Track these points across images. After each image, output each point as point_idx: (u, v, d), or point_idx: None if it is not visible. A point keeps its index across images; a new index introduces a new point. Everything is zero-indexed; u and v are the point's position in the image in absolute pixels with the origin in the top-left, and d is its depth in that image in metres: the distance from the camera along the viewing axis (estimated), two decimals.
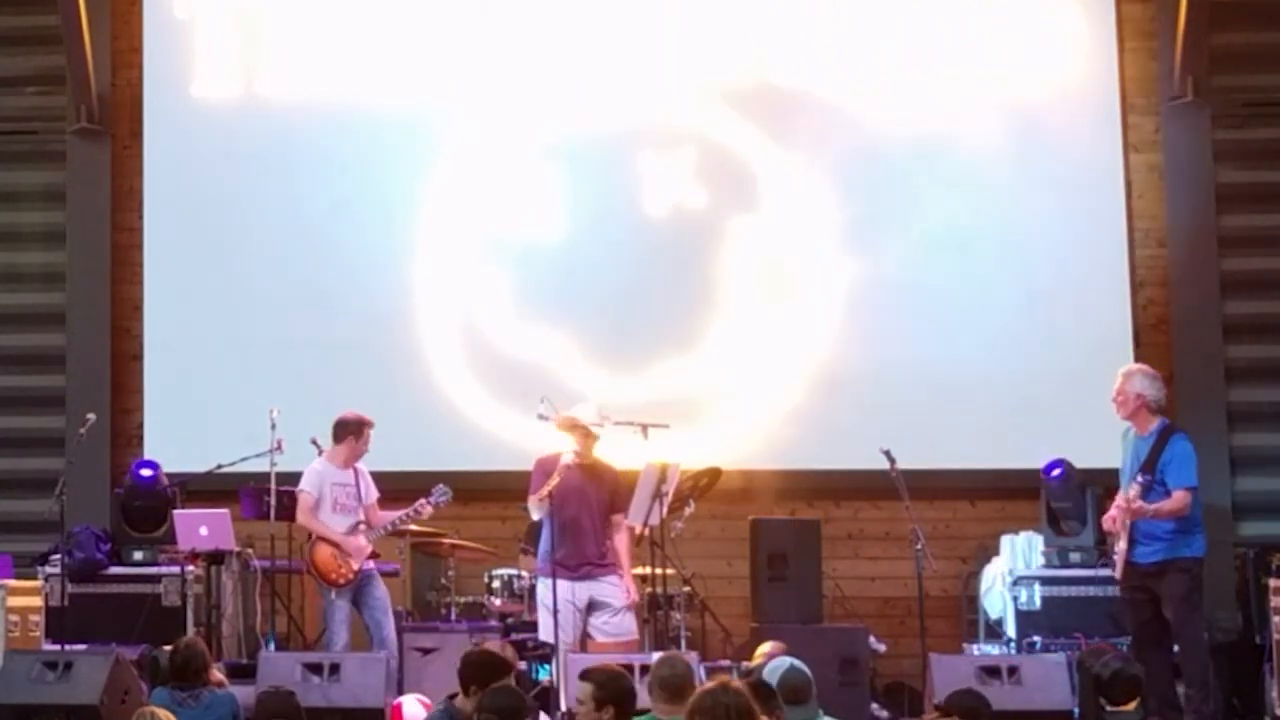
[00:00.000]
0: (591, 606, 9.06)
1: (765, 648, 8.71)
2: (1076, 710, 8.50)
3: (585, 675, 6.11)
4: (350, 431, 9.76)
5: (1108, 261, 11.22)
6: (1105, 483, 9.44)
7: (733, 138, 11.40)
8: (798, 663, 6.71)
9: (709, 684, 5.50)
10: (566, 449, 9.11)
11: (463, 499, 10.03)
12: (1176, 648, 8.70)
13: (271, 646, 10.00)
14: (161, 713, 6.20)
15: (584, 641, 9.04)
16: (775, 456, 11.17)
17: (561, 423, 9.16)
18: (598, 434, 9.12)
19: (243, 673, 9.20)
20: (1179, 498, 8.49)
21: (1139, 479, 8.40)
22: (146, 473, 10.87)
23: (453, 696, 7.00)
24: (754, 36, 11.46)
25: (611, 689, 5.98)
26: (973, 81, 11.35)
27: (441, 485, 9.72)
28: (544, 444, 9.42)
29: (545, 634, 9.07)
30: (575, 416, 9.15)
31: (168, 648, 8.09)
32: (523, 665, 9.38)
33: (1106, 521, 8.92)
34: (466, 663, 6.95)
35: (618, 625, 9.05)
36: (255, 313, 11.53)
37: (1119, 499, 8.90)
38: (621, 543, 9.20)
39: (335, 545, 9.59)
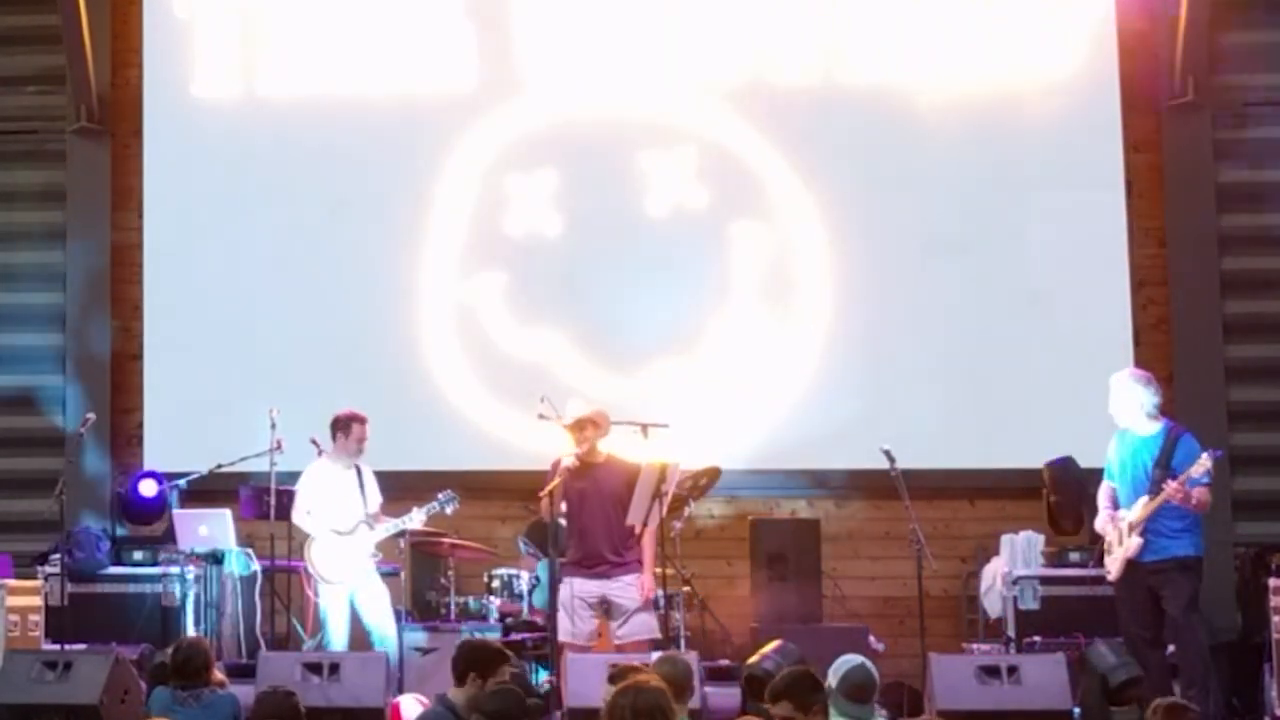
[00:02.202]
0: (606, 607, 9.02)
1: (768, 648, 8.72)
2: (1076, 710, 8.50)
3: (614, 679, 6.10)
4: (339, 428, 9.77)
5: (1108, 261, 11.21)
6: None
7: (733, 138, 11.40)
8: (868, 662, 6.74)
9: (625, 683, 5.49)
10: (568, 451, 9.11)
11: (463, 499, 10.02)
12: (1172, 647, 8.70)
13: (264, 648, 9.99)
14: None
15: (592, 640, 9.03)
16: (775, 456, 11.16)
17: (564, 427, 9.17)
18: (574, 417, 9.08)
19: (243, 673, 9.20)
20: (1204, 493, 8.53)
21: (1210, 453, 8.44)
22: (149, 489, 10.80)
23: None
24: (754, 36, 11.46)
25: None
26: (973, 81, 11.35)
27: (449, 490, 9.71)
28: (543, 444, 9.44)
29: (564, 634, 8.96)
30: (560, 415, 9.16)
31: (169, 649, 8.09)
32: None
33: (1101, 523, 8.91)
34: (461, 651, 6.95)
35: (628, 630, 8.95)
36: (255, 313, 11.53)
37: (1104, 498, 8.90)
38: (646, 537, 9.13)
39: (328, 545, 9.60)
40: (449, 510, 9.74)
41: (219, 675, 7.89)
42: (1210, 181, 11.29)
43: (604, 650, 8.94)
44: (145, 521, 10.90)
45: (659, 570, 9.24)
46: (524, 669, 8.98)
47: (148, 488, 10.85)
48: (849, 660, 6.75)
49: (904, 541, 9.48)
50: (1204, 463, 8.44)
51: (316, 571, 9.68)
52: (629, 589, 8.97)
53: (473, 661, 6.84)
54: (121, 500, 10.96)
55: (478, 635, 8.99)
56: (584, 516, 9.02)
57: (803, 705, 5.60)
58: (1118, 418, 8.82)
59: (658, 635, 9.02)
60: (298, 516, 9.75)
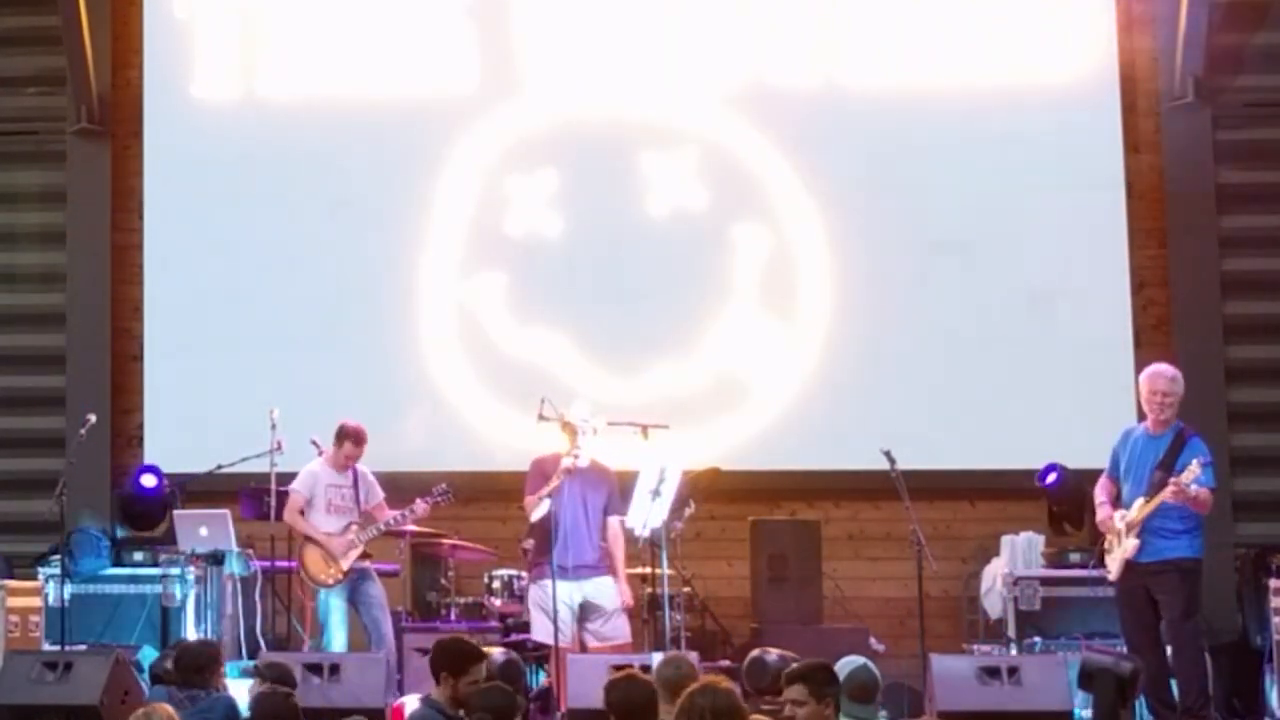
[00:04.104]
0: (584, 608, 9.07)
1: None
2: (1077, 712, 8.49)
3: (611, 687, 6.07)
4: (346, 438, 9.78)
5: (1108, 261, 11.21)
6: None
7: (733, 138, 11.40)
8: (870, 663, 6.76)
9: (696, 684, 5.50)
10: (565, 451, 9.12)
11: (463, 499, 10.04)
12: (1170, 649, 8.69)
13: (264, 648, 9.99)
14: (159, 709, 6.07)
15: (580, 643, 9.05)
16: (775, 456, 11.16)
17: (561, 426, 9.19)
18: (581, 427, 9.09)
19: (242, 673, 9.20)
20: (1208, 492, 8.53)
21: (1200, 460, 8.42)
22: (149, 481, 10.83)
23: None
24: (755, 38, 11.46)
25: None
26: (973, 82, 11.34)
27: (443, 485, 9.73)
28: (543, 444, 9.43)
29: (538, 634, 9.07)
30: (563, 415, 9.17)
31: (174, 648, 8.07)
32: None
33: (1102, 522, 8.91)
34: (435, 652, 6.93)
35: (611, 629, 9.06)
36: (255, 313, 11.53)
37: (1102, 493, 8.91)
38: (617, 545, 9.21)
39: (320, 546, 9.62)
40: (442, 501, 9.74)
41: (222, 680, 7.84)
42: (1210, 182, 11.29)
43: (601, 651, 8.95)
44: (146, 522, 10.89)
45: (658, 571, 9.27)
46: (520, 665, 8.97)
47: (148, 480, 10.85)
48: (852, 661, 6.77)
49: (904, 542, 9.47)
50: (1193, 469, 8.42)
51: (308, 574, 9.70)
52: (605, 589, 9.07)
53: (444, 664, 6.82)
54: (122, 498, 10.95)
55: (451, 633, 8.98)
56: (568, 518, 9.05)
57: (816, 692, 5.62)
58: (1166, 409, 8.77)
59: (628, 639, 9.11)
60: (289, 516, 9.75)
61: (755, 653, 8.70)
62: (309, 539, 9.68)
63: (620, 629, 9.13)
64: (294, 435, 9.96)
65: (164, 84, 11.77)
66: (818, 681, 5.70)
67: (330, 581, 9.64)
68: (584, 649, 9.01)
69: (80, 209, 11.82)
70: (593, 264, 11.46)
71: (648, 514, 9.06)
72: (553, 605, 8.86)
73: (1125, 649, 8.79)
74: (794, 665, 5.88)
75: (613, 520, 9.21)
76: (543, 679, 9.36)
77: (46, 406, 11.77)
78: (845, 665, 6.70)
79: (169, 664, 8.71)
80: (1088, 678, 8.50)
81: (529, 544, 10.19)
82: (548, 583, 8.93)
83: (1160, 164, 11.34)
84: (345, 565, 9.65)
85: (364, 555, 9.73)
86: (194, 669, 7.50)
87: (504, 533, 10.85)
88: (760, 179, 11.38)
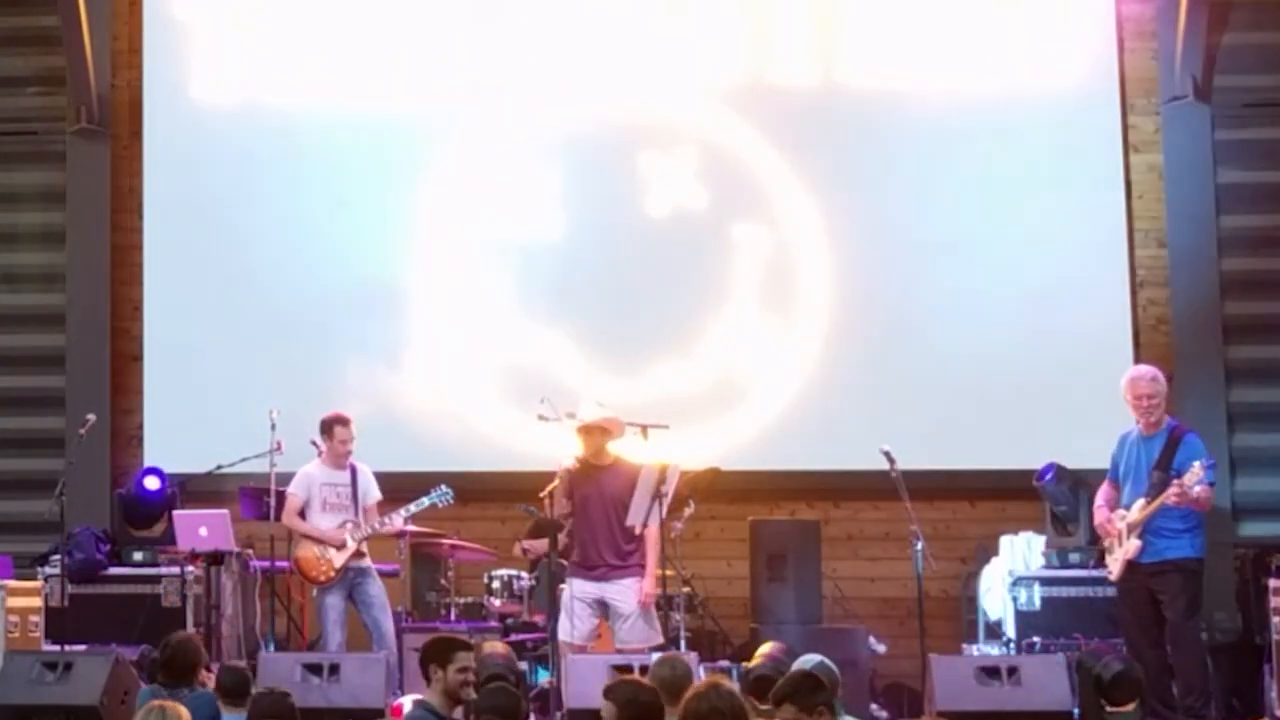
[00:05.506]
0: (606, 610, 9.02)
1: (766, 648, 8.71)
2: (1076, 711, 8.50)
3: (608, 693, 6.05)
4: (333, 425, 9.79)
5: (1108, 261, 11.21)
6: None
7: (733, 138, 11.40)
8: (827, 660, 6.78)
9: (699, 685, 5.50)
10: (570, 453, 9.11)
11: (463, 499, 10.05)
12: (1171, 648, 8.69)
13: (271, 647, 9.99)
14: (170, 706, 6.06)
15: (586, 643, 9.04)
16: (775, 456, 11.16)
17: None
18: (583, 422, 9.06)
19: None
20: (1205, 490, 8.53)
21: (1203, 463, 8.43)
22: (153, 484, 10.82)
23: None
24: (754, 37, 11.46)
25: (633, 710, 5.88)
26: (973, 82, 11.35)
27: (443, 485, 9.73)
28: (543, 445, 9.45)
29: (563, 635, 8.97)
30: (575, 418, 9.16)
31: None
32: (523, 665, 9.40)
33: (1100, 525, 8.91)
34: (421, 651, 6.89)
35: (629, 633, 8.93)
36: (255, 313, 11.53)
37: (1101, 497, 8.92)
38: (649, 539, 9.11)
39: (315, 543, 9.63)
40: (442, 504, 9.75)
41: (203, 676, 7.84)
42: (1210, 181, 11.28)
43: (603, 651, 8.93)
44: (147, 522, 10.89)
45: (658, 571, 9.24)
46: (512, 665, 8.97)
47: (151, 483, 10.85)
48: (809, 659, 6.82)
49: (904, 542, 9.49)
50: (1195, 471, 8.43)
51: (302, 572, 9.71)
52: (627, 592, 8.96)
53: (429, 656, 6.77)
54: (124, 499, 10.95)
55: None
56: (587, 518, 9.02)
57: (807, 707, 5.63)
58: (1154, 412, 8.79)
59: (659, 639, 9.00)
60: (287, 518, 9.76)
61: (755, 669, 8.59)
62: (305, 536, 9.69)
63: (641, 631, 8.94)
64: (294, 435, 9.96)
65: (164, 85, 11.77)
66: (804, 693, 5.69)
67: (323, 579, 9.64)
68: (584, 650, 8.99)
69: (80, 209, 11.81)
70: (593, 264, 11.47)
71: (647, 514, 9.04)
72: (552, 603, 8.85)
73: (1126, 649, 8.82)
74: (779, 684, 5.85)
75: None
76: (543, 678, 9.35)
77: (46, 406, 11.76)
78: (804, 664, 6.72)
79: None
80: (1078, 670, 8.55)
81: (526, 544, 10.29)
82: (569, 581, 8.95)
83: (1160, 163, 11.33)
84: (338, 564, 9.65)
85: (357, 554, 9.72)
86: (177, 668, 7.50)
87: (504, 533, 10.87)
88: (760, 179, 11.38)
